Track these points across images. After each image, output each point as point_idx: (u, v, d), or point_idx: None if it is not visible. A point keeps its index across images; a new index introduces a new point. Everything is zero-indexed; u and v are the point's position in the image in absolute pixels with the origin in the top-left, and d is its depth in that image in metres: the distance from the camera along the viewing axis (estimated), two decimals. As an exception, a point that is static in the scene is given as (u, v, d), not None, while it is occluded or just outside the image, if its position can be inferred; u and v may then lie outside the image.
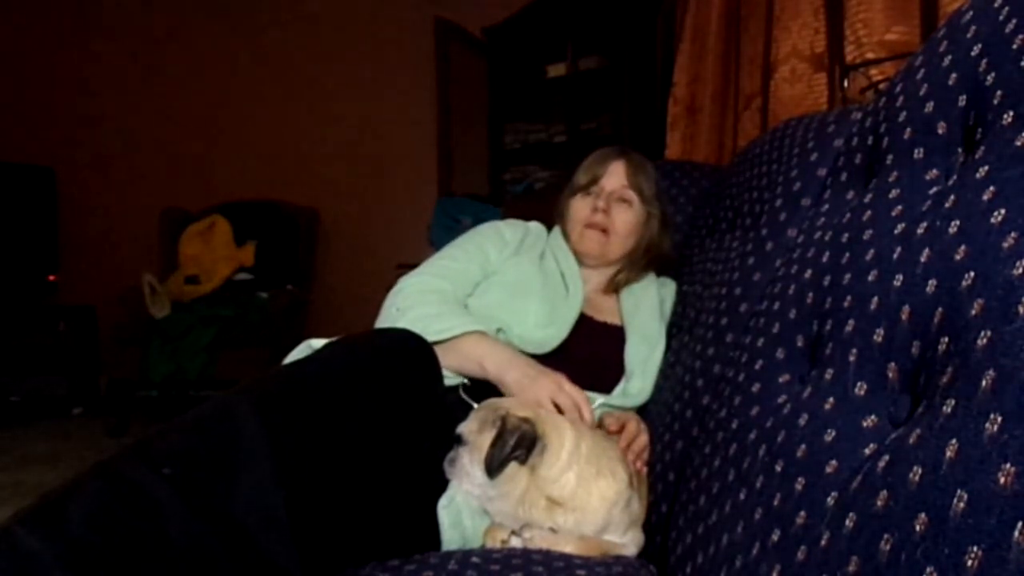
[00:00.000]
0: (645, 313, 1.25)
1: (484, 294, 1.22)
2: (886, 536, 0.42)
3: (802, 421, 0.60)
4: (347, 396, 0.77)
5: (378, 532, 0.80)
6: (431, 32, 3.46)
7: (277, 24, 3.90)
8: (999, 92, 0.55)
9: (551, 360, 1.13)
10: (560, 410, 0.96)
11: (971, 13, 0.63)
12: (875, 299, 0.58)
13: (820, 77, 1.62)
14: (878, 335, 0.56)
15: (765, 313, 0.81)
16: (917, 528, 0.39)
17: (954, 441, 0.40)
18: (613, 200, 1.28)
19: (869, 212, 0.68)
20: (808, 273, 0.74)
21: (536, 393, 0.98)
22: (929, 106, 0.66)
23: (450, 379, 1.06)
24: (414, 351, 0.89)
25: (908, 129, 0.69)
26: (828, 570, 0.46)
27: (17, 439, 2.90)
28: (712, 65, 2.11)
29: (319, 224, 3.69)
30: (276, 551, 0.64)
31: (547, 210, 1.41)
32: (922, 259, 0.53)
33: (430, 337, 0.95)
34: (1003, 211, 0.47)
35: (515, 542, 0.84)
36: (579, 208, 1.30)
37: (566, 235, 1.33)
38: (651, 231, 1.32)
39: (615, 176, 1.30)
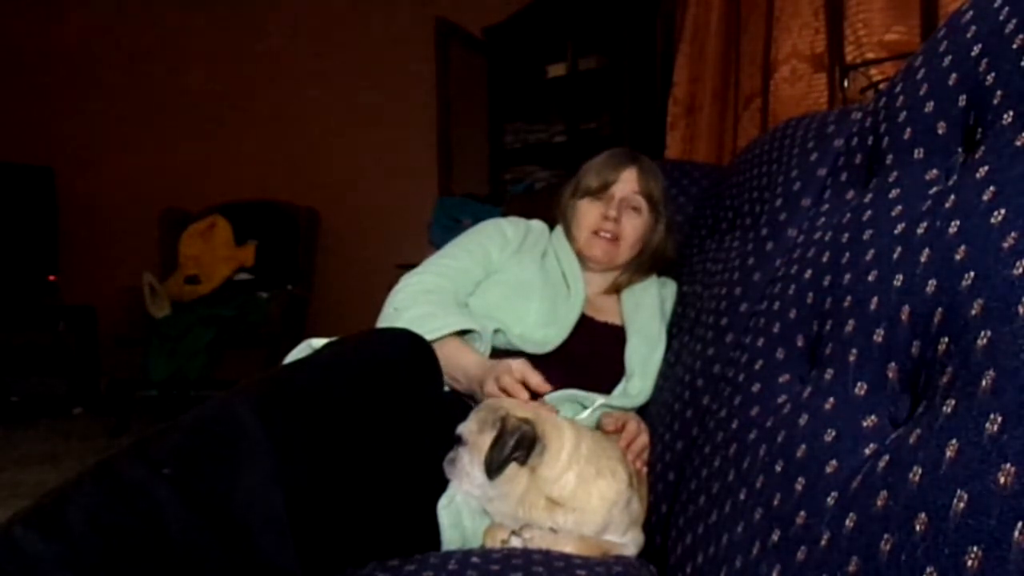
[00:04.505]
0: (646, 313, 1.25)
1: (485, 293, 1.22)
2: (886, 536, 0.42)
3: (802, 421, 0.60)
4: (347, 396, 0.77)
5: (378, 532, 0.80)
6: (431, 32, 3.45)
7: (277, 24, 3.90)
8: (999, 92, 0.55)
9: (551, 360, 1.13)
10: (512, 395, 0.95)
11: (971, 13, 0.63)
12: (875, 299, 0.58)
13: (820, 77, 1.62)
14: (878, 335, 0.56)
15: (765, 313, 0.81)
16: (917, 528, 0.39)
17: (954, 441, 0.40)
18: (624, 207, 1.27)
19: (869, 212, 0.68)
20: (808, 273, 0.74)
21: (490, 391, 0.98)
22: (929, 106, 0.66)
23: (450, 379, 1.06)
24: (414, 350, 0.89)
25: (908, 129, 0.69)
26: (828, 570, 0.46)
27: (17, 439, 2.90)
28: (712, 65, 2.10)
29: (319, 224, 3.69)
30: (276, 551, 0.64)
31: (547, 209, 1.41)
32: (922, 259, 0.53)
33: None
34: (1003, 211, 0.47)
35: (515, 542, 0.84)
36: (588, 213, 1.28)
37: (570, 236, 1.32)
38: (658, 236, 1.31)
39: (627, 183, 1.28)
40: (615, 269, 1.32)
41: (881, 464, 0.47)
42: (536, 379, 0.96)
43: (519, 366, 0.97)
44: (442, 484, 0.88)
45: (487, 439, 0.84)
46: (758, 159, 1.14)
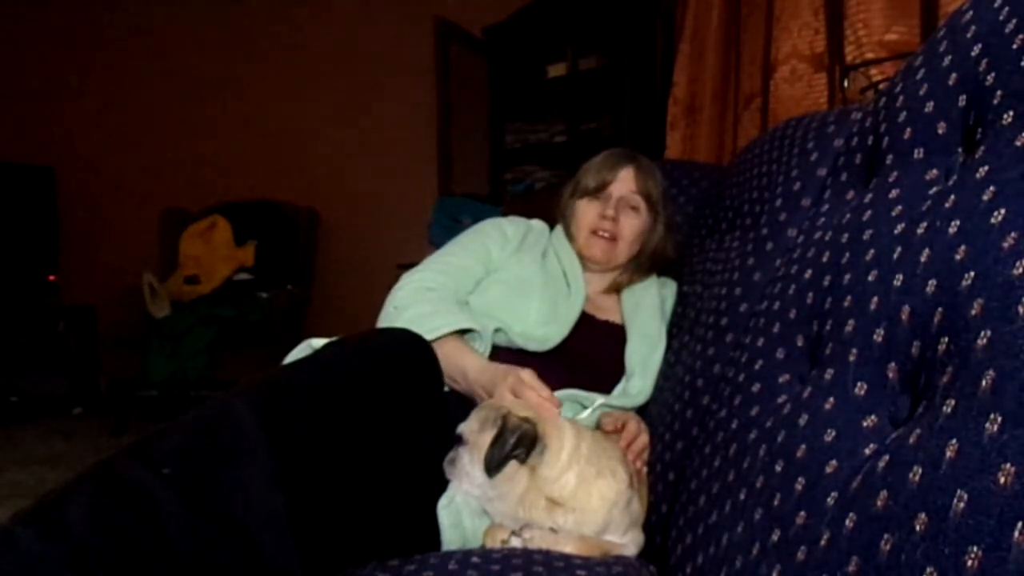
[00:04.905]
0: (646, 313, 1.25)
1: (485, 291, 1.22)
2: (886, 536, 0.42)
3: (802, 421, 0.60)
4: (347, 396, 0.77)
5: (378, 532, 0.80)
6: (431, 32, 3.45)
7: (277, 24, 3.90)
8: (999, 92, 0.55)
9: (552, 358, 1.13)
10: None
11: (971, 13, 0.63)
12: (875, 299, 0.58)
13: (820, 77, 1.62)
14: (878, 335, 0.56)
15: (765, 313, 0.81)
16: (917, 528, 0.39)
17: (954, 441, 0.40)
18: (621, 207, 1.27)
19: (869, 212, 0.68)
20: (808, 273, 0.74)
21: (501, 398, 0.97)
22: (929, 106, 0.66)
23: (450, 379, 1.05)
24: (414, 350, 0.89)
25: (908, 129, 0.69)
26: (828, 570, 0.46)
27: (17, 439, 2.90)
28: (712, 65, 2.11)
29: (319, 224, 3.69)
30: (276, 551, 0.64)
31: (547, 209, 1.41)
32: (922, 259, 0.53)
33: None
34: (1003, 211, 0.47)
35: (515, 542, 0.84)
36: (586, 212, 1.29)
37: (570, 236, 1.32)
38: (657, 235, 1.31)
39: (624, 182, 1.28)
40: (615, 269, 1.32)
41: (881, 464, 0.47)
42: (546, 392, 0.96)
43: (530, 378, 0.97)
44: (442, 484, 0.88)
45: (487, 438, 0.84)
46: (758, 159, 1.14)
